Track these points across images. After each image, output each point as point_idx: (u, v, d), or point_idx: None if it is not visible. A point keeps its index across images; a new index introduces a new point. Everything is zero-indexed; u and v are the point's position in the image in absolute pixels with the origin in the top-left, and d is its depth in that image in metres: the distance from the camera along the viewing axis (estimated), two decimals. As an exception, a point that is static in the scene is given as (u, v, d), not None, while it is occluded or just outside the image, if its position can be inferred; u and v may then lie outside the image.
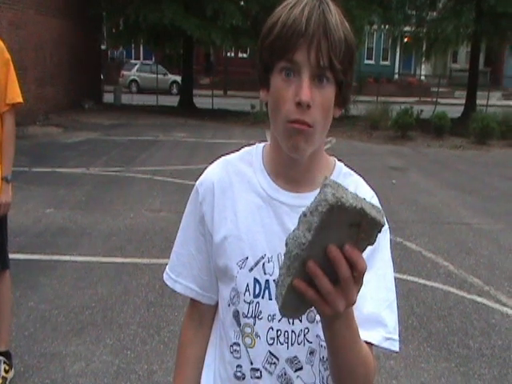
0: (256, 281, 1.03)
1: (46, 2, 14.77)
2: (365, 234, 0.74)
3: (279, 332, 1.03)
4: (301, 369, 1.04)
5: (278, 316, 1.02)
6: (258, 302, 1.03)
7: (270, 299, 1.03)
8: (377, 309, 1.00)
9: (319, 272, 0.73)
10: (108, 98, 20.68)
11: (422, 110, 16.01)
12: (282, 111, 0.95)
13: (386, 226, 0.86)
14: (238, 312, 1.06)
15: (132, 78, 27.84)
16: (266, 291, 1.03)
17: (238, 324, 1.06)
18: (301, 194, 1.04)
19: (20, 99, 2.85)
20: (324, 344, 1.02)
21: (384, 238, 1.03)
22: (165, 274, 1.18)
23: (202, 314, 1.17)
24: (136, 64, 29.26)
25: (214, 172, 1.11)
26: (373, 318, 0.99)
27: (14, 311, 3.47)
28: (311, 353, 1.04)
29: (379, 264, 1.02)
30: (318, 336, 1.03)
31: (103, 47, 22.67)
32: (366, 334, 0.93)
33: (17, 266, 4.45)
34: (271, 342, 1.03)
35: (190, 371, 1.17)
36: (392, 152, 12.51)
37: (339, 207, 0.69)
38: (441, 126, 14.60)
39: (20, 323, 3.60)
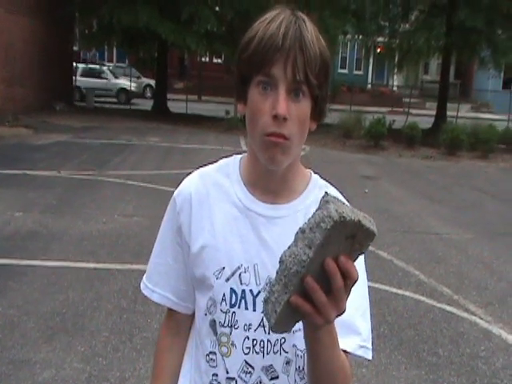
0: (232, 291, 1.04)
1: (17, 1, 14.50)
2: (359, 245, 0.77)
3: (255, 341, 1.04)
4: (277, 378, 1.05)
5: (254, 325, 1.03)
6: (234, 312, 1.04)
7: (246, 309, 1.04)
8: (351, 316, 1.01)
9: (316, 286, 0.75)
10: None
11: (394, 120, 16.27)
12: (258, 124, 0.96)
13: None
14: (214, 321, 1.06)
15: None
16: (243, 301, 1.04)
17: (215, 333, 1.06)
18: (277, 206, 1.06)
19: None
20: (300, 354, 1.04)
21: None
22: (142, 284, 1.18)
23: (178, 324, 1.18)
24: (109, 67, 28.94)
25: (192, 183, 1.12)
26: (347, 325, 1.00)
27: (-18, 317, 3.39)
28: (287, 363, 1.04)
29: None
30: (294, 346, 1.04)
31: (75, 48, 22.38)
32: (340, 342, 0.94)
33: (-15, 270, 4.36)
34: (247, 351, 1.04)
35: (166, 380, 1.17)
36: (364, 161, 12.68)
37: (341, 223, 0.71)
38: (412, 136, 14.88)
39: (-12, 329, 3.52)
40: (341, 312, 0.80)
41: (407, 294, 4.73)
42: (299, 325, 0.84)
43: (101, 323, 3.77)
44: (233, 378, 1.05)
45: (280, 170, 1.03)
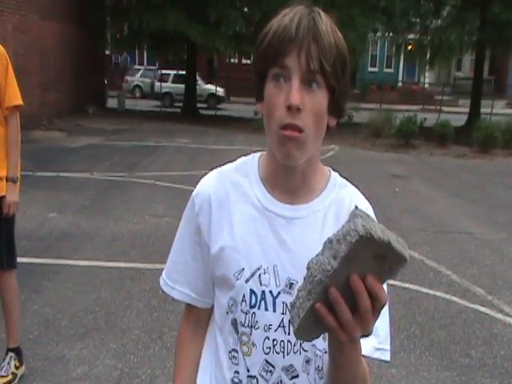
0: (252, 292, 1.04)
1: (51, 8, 14.84)
2: (388, 267, 0.75)
3: (275, 341, 1.04)
4: (297, 376, 1.05)
5: (274, 326, 1.04)
6: (254, 313, 1.04)
7: (266, 310, 1.04)
8: None
9: (340, 299, 0.75)
10: (111, 103, 20.79)
11: (425, 118, 16.01)
12: (274, 118, 0.96)
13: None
14: (235, 320, 1.07)
15: (135, 83, 27.96)
16: (262, 302, 1.04)
17: (237, 332, 1.07)
18: (296, 206, 1.05)
19: (19, 101, 2.86)
20: (319, 354, 1.04)
21: None
22: (161, 280, 1.21)
23: (198, 316, 1.19)
24: (140, 69, 29.40)
25: (210, 183, 1.11)
26: None
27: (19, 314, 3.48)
28: (307, 361, 1.05)
29: None
30: (313, 345, 1.04)
31: (107, 52, 22.78)
32: None
33: (21, 269, 4.45)
34: (267, 351, 1.04)
35: (189, 368, 1.19)
36: (395, 160, 12.53)
37: (368, 239, 0.71)
38: (444, 134, 14.60)
39: (24, 326, 3.60)
40: (366, 333, 0.79)
41: (438, 294, 4.66)
42: None
43: (132, 321, 3.84)
44: (254, 377, 1.06)
45: (298, 168, 1.02)
